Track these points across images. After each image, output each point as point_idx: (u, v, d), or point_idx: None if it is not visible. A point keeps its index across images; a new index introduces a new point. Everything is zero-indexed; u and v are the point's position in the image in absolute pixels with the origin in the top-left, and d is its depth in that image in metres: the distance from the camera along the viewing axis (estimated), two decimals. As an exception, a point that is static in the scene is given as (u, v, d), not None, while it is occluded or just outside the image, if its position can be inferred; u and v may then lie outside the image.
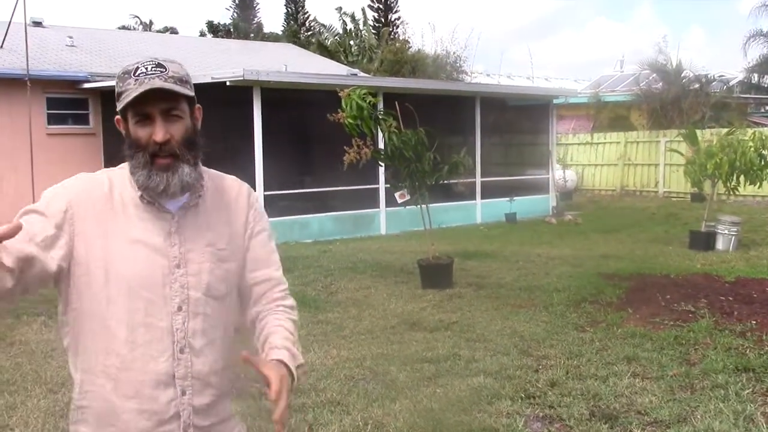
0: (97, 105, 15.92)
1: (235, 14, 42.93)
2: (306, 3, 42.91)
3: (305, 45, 31.60)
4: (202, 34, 37.54)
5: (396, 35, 33.25)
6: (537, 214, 16.30)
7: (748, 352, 5.50)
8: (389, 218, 14.05)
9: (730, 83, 26.13)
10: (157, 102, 1.63)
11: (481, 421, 4.25)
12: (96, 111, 15.95)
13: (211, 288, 1.73)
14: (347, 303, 7.51)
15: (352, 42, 31.76)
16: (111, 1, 69.15)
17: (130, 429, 1.67)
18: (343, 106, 8.17)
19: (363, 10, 33.17)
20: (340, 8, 32.33)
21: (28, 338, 6.16)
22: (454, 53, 28.56)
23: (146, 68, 1.63)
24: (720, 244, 11.05)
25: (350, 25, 32.28)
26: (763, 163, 10.75)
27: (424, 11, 66.27)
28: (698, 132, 12.78)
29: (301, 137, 13.67)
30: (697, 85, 22.98)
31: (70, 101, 15.78)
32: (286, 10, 40.94)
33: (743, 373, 5.01)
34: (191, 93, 1.69)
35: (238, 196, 1.83)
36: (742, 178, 10.88)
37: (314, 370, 5.20)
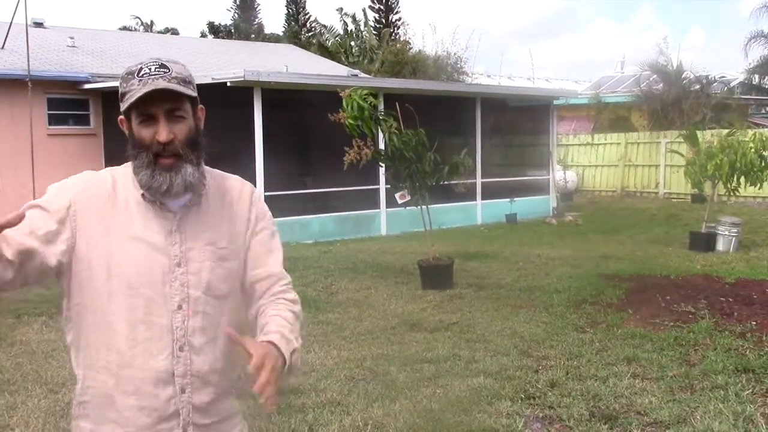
0: (97, 106, 15.95)
1: (236, 15, 43.00)
2: (307, 4, 42.99)
3: (306, 46, 31.64)
4: (203, 35, 37.62)
5: (397, 36, 33.28)
6: (537, 215, 16.30)
7: (747, 352, 5.51)
8: (390, 219, 14.05)
9: (731, 84, 26.14)
10: (160, 102, 1.64)
11: (481, 422, 4.26)
12: (97, 112, 15.98)
13: (212, 287, 1.73)
14: (347, 303, 7.51)
15: (352, 43, 31.79)
16: (112, 2, 69.33)
17: (130, 425, 1.69)
18: (344, 106, 8.18)
19: (364, 11, 33.28)
20: (341, 9, 32.47)
21: (28, 338, 6.17)
22: (454, 54, 28.59)
23: (150, 69, 1.65)
24: (720, 245, 11.06)
25: (351, 26, 32.36)
26: (763, 164, 10.75)
27: (424, 12, 66.36)
28: (699, 133, 12.77)
29: (301, 138, 13.69)
30: (697, 86, 22.98)
31: (70, 102, 15.80)
32: (287, 11, 41.07)
33: (743, 374, 5.01)
34: (194, 93, 1.70)
35: (241, 195, 1.84)
36: (742, 179, 10.88)
37: (314, 370, 5.21)
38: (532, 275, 8.89)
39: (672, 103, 22.60)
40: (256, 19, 43.99)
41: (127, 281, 1.67)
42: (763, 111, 27.63)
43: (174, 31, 37.00)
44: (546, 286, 8.09)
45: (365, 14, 32.75)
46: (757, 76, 27.86)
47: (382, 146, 9.16)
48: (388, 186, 12.09)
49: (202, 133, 1.75)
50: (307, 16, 40.29)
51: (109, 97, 15.09)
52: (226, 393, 1.81)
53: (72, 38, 18.11)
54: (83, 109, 15.97)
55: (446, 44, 29.88)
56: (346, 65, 25.67)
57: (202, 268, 1.72)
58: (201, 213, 1.76)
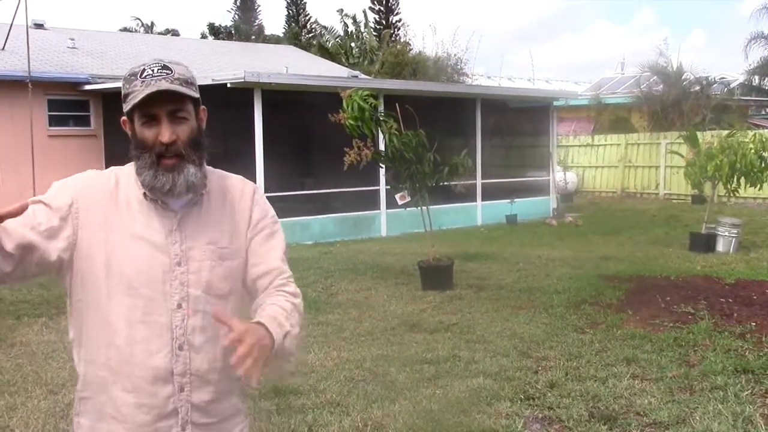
0: (98, 107, 15.96)
1: (237, 16, 43.00)
2: (307, 5, 42.96)
3: (306, 47, 31.65)
4: (204, 36, 37.62)
5: (397, 37, 33.33)
6: (537, 215, 16.31)
7: (747, 353, 5.51)
8: (390, 220, 14.06)
9: (731, 85, 26.16)
10: (163, 103, 1.66)
11: (481, 422, 4.26)
12: (97, 113, 15.99)
13: (212, 286, 1.74)
14: (348, 304, 7.52)
15: (353, 44, 31.81)
16: (112, 3, 69.35)
17: (129, 422, 1.70)
18: (345, 107, 8.19)
19: (364, 12, 33.31)
20: (342, 10, 32.47)
21: (28, 339, 6.17)
22: (454, 55, 28.62)
23: (152, 70, 1.66)
24: (720, 246, 11.06)
25: (351, 28, 32.38)
26: (763, 165, 10.76)
27: (425, 13, 66.45)
28: (699, 134, 12.78)
29: (301, 139, 13.70)
30: (697, 88, 22.99)
31: (71, 103, 15.82)
32: (287, 13, 41.13)
33: (742, 375, 5.01)
34: (196, 94, 1.72)
35: (243, 195, 1.85)
36: (742, 180, 10.89)
37: (314, 371, 5.22)
38: (532, 276, 8.90)
39: (672, 104, 22.60)
40: (257, 21, 44.00)
41: (127, 279, 1.68)
42: (763, 112, 27.63)
43: (174, 33, 37.02)
44: (546, 287, 8.10)
45: (365, 15, 32.81)
46: (757, 78, 27.87)
47: (382, 147, 9.17)
48: (388, 187, 12.10)
49: (204, 133, 1.77)
50: (307, 18, 40.35)
51: (110, 99, 15.11)
52: (227, 392, 1.81)
53: (72, 39, 18.13)
54: (84, 111, 15.99)
55: (446, 45, 29.98)
56: (346, 66, 25.68)
57: (202, 267, 1.73)
58: (202, 212, 1.77)
